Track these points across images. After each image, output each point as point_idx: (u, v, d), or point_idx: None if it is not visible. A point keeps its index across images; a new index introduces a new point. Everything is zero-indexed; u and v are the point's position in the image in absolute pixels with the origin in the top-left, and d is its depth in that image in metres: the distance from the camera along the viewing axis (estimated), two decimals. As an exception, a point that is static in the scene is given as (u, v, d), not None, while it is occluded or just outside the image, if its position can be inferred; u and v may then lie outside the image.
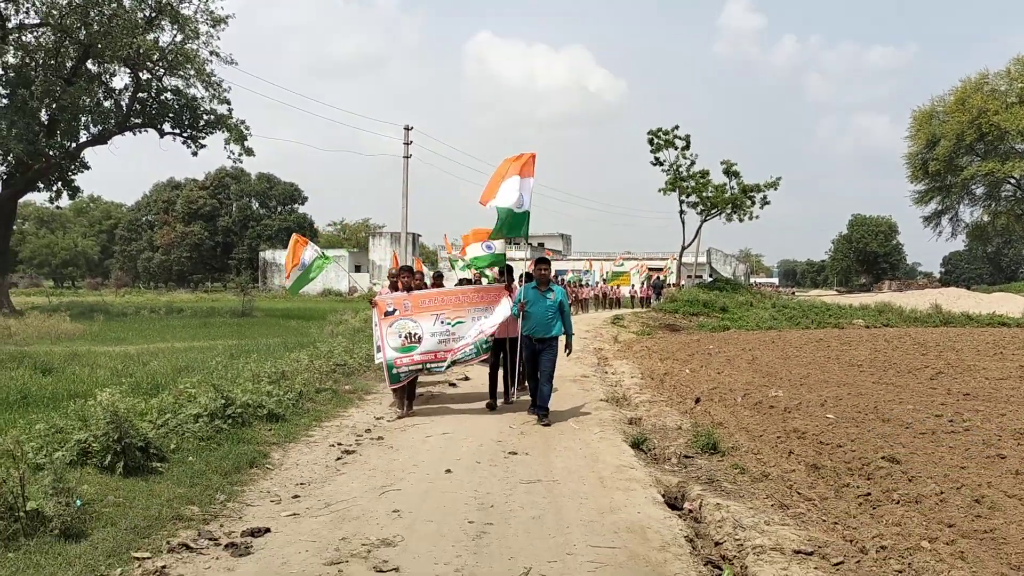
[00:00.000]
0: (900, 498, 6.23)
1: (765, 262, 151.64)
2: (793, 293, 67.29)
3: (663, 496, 6.06)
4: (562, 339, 9.13)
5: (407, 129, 32.65)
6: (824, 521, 5.60)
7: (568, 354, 9.34)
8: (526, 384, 9.98)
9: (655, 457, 7.48)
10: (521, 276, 10.23)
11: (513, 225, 9.43)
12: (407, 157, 32.51)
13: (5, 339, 19.22)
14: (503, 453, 7.29)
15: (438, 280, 10.94)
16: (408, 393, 9.54)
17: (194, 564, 4.35)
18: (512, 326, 9.51)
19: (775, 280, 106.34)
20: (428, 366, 9.46)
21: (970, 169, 46.11)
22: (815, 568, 4.55)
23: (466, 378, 12.88)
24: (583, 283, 41.05)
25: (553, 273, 15.74)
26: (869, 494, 6.35)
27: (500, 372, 10.19)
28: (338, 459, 6.94)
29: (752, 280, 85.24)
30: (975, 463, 7.52)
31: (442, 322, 9.51)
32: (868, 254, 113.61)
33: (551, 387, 9.05)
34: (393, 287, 10.44)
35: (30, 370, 12.55)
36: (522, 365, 9.46)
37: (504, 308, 9.54)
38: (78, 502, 4.73)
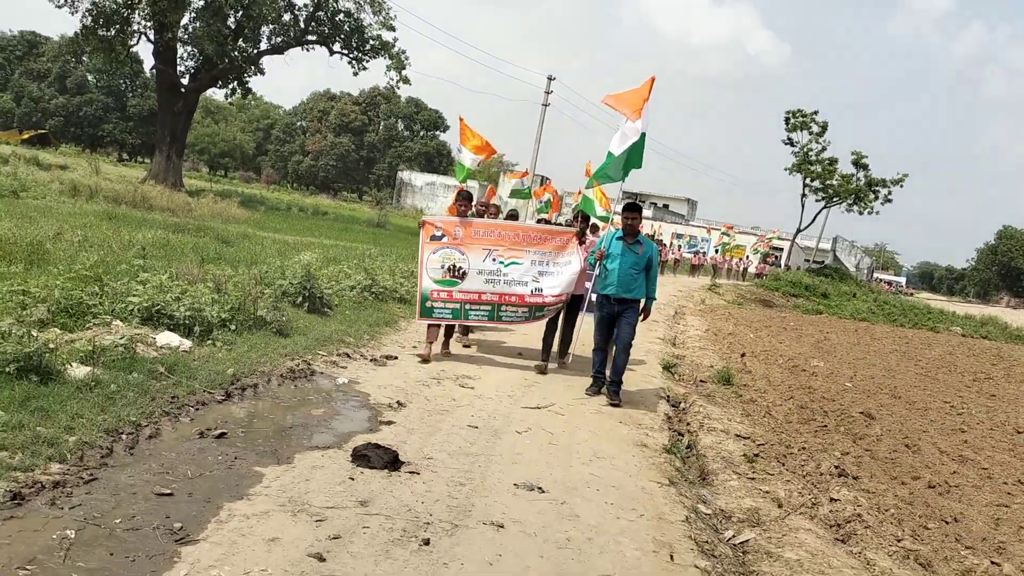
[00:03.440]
0: (846, 432, 8.35)
1: (902, 260, 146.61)
2: (911, 294, 66.35)
3: (667, 396, 8.43)
4: (641, 302, 7.84)
5: (550, 79, 34.96)
6: (773, 430, 7.82)
7: (643, 319, 7.96)
8: (569, 353, 8.99)
9: (679, 378, 9.79)
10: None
11: (631, 158, 8.26)
12: (546, 105, 34.90)
13: (186, 213, 23.00)
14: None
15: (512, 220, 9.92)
16: (447, 330, 8.63)
17: (351, 364, 7.11)
18: (580, 280, 8.48)
19: (902, 279, 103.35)
20: (467, 308, 8.26)
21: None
22: (743, 445, 6.85)
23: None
24: (696, 249, 42.60)
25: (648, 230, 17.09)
26: (825, 426, 8.47)
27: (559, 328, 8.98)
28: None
29: (875, 275, 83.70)
30: (936, 429, 9.43)
31: (493, 259, 8.28)
32: (1012, 269, 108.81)
33: (627, 358, 7.77)
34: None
35: (213, 239, 15.79)
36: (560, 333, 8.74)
37: (573, 265, 8.39)
38: (284, 317, 7.56)
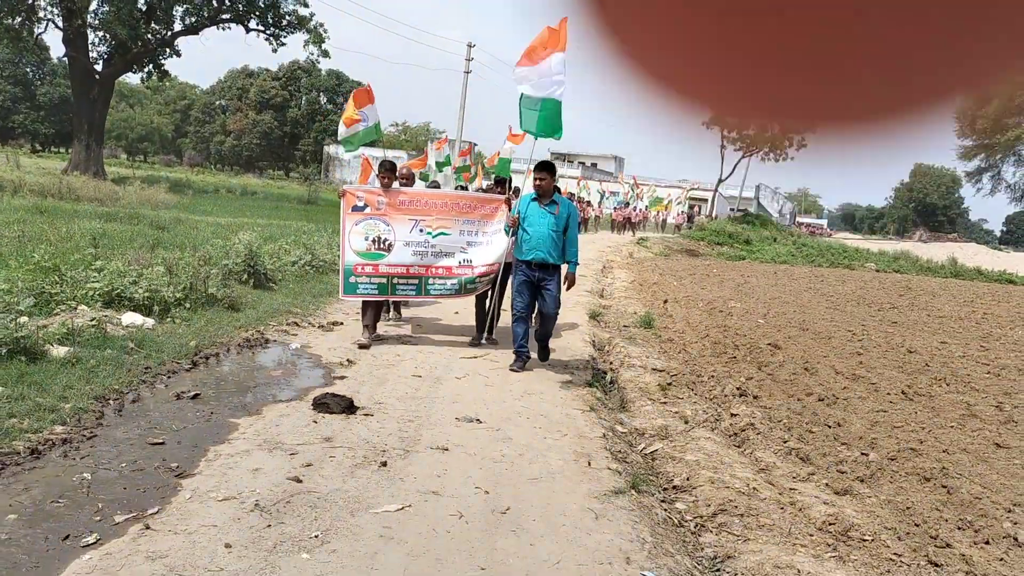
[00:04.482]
0: (752, 360, 9.30)
1: (825, 203, 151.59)
2: (830, 235, 69.19)
3: (592, 340, 9.27)
4: (564, 268, 7.43)
5: (470, 46, 35.40)
6: (687, 363, 8.74)
7: (568, 288, 7.50)
8: (491, 335, 8.48)
9: (604, 325, 10.65)
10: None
11: (550, 118, 7.49)
12: (467, 72, 35.34)
13: (114, 202, 22.96)
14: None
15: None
16: (375, 313, 7.96)
17: (301, 332, 7.75)
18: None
19: (823, 222, 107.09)
20: (395, 282, 7.83)
21: (1015, 131, 47.32)
22: (658, 376, 7.73)
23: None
24: (625, 204, 43.65)
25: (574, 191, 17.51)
26: (734, 357, 9.43)
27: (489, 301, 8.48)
28: (385, 300, 10.27)
29: (798, 220, 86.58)
30: (836, 355, 10.43)
31: (420, 230, 7.87)
32: (927, 205, 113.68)
33: (553, 324, 7.60)
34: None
35: (148, 226, 16.04)
36: (491, 304, 8.33)
37: (504, 235, 7.91)
38: (233, 293, 8.13)
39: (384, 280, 7.77)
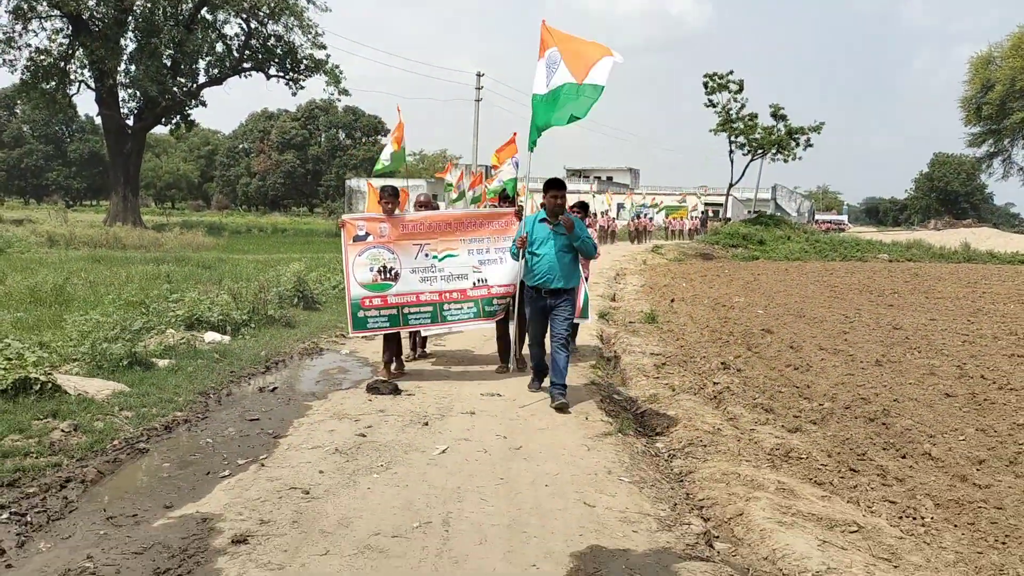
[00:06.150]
0: (744, 342, 10.51)
1: (847, 199, 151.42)
2: (843, 230, 69.74)
3: (600, 335, 10.56)
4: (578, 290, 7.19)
5: (479, 75, 37.11)
6: (681, 346, 9.98)
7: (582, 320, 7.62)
8: (522, 355, 8.06)
9: (612, 323, 11.93)
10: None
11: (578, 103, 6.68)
12: (478, 100, 36.98)
13: (158, 247, 24.67)
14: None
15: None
16: (397, 347, 7.69)
17: (348, 341, 9.15)
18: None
19: (843, 217, 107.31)
20: (406, 312, 7.43)
21: (1021, 113, 48.06)
22: (655, 358, 8.99)
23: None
24: (640, 215, 44.88)
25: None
26: (727, 342, 10.64)
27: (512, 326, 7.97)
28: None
29: (816, 217, 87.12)
30: (824, 335, 11.55)
31: (426, 255, 7.52)
32: (949, 193, 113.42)
33: (568, 355, 6.73)
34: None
35: (195, 267, 17.53)
36: (521, 327, 7.73)
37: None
38: (288, 314, 9.55)
39: (394, 311, 7.39)
